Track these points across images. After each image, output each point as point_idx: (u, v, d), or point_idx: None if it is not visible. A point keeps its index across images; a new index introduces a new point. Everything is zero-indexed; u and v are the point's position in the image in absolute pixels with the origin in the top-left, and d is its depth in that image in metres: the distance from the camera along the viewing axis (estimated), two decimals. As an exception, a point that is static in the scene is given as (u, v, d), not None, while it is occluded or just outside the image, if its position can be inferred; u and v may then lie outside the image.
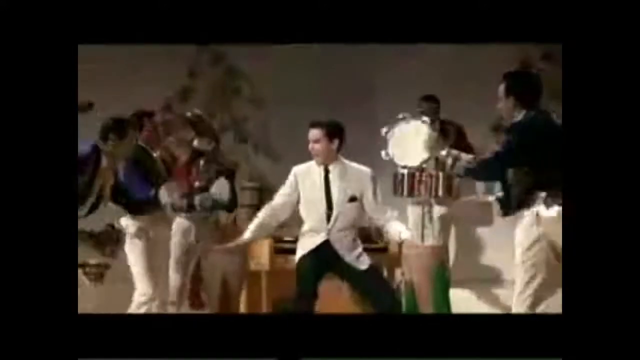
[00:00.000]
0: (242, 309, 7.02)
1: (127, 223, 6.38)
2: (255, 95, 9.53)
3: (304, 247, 6.00)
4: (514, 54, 8.83)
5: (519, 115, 5.17)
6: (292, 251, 7.18)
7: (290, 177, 6.06)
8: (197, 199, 6.96)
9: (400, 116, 6.42)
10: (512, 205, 5.08)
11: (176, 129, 6.81)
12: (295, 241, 7.24)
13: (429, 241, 8.16)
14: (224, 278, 6.89)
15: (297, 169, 6.07)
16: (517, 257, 5.10)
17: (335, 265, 5.95)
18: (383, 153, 6.36)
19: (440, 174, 8.35)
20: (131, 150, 6.24)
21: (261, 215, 6.10)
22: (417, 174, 8.27)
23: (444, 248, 8.10)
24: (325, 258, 5.92)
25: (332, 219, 5.91)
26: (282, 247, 7.19)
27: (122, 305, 6.34)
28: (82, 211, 5.83)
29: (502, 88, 5.22)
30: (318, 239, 5.92)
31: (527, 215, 5.05)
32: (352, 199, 5.95)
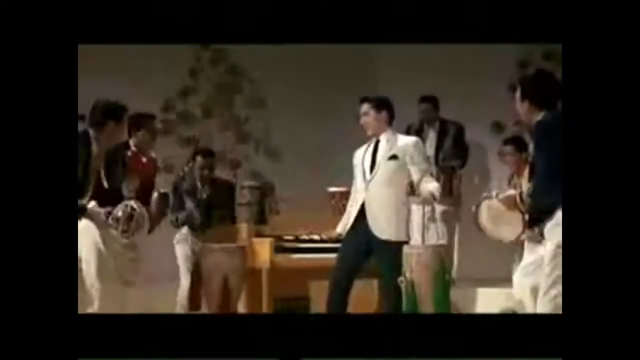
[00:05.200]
0: (242, 308, 7.01)
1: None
2: (256, 95, 9.55)
3: (343, 229, 6.53)
4: (514, 54, 8.85)
5: (536, 118, 5.11)
6: (293, 250, 7.21)
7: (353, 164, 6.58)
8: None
9: (484, 195, 6.67)
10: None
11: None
12: (295, 240, 7.28)
13: (431, 240, 8.17)
14: (224, 278, 6.89)
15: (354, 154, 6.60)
16: (547, 253, 5.01)
17: (369, 246, 6.32)
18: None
19: (441, 174, 8.39)
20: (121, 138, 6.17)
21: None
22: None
23: (446, 247, 8.11)
24: (359, 244, 6.31)
25: (373, 172, 6.35)
26: (283, 246, 7.19)
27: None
28: (83, 200, 5.78)
29: (518, 92, 5.21)
30: (355, 207, 6.38)
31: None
32: (393, 157, 6.36)
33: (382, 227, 6.33)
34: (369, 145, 6.50)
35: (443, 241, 8.33)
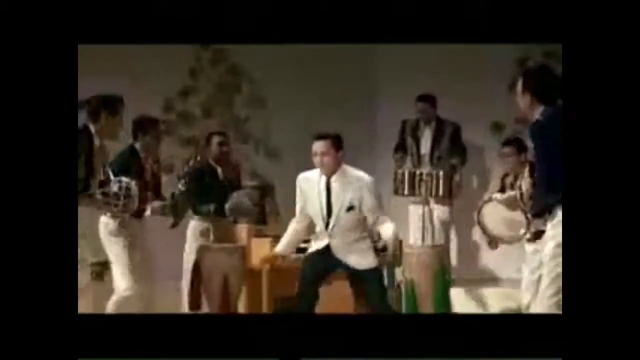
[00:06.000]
0: (242, 308, 7.02)
1: (107, 221, 6.28)
2: (256, 95, 9.55)
3: (311, 248, 6.23)
4: (513, 54, 8.85)
5: (536, 114, 5.07)
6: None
7: (297, 187, 6.22)
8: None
9: (486, 198, 6.86)
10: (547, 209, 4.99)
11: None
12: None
13: (430, 241, 8.17)
14: (224, 278, 6.90)
15: (300, 178, 6.22)
16: (547, 252, 4.96)
17: (338, 265, 6.12)
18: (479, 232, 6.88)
19: (441, 174, 8.40)
20: (121, 130, 6.18)
21: (288, 229, 6.32)
22: (417, 173, 8.31)
23: (445, 248, 8.12)
24: (326, 260, 6.10)
25: (330, 226, 6.06)
26: (283, 247, 7.17)
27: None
28: (93, 189, 5.81)
29: (519, 84, 5.11)
30: (321, 244, 6.13)
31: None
32: (350, 208, 6.04)
33: (357, 261, 6.08)
34: (319, 184, 6.11)
35: (441, 242, 8.33)
